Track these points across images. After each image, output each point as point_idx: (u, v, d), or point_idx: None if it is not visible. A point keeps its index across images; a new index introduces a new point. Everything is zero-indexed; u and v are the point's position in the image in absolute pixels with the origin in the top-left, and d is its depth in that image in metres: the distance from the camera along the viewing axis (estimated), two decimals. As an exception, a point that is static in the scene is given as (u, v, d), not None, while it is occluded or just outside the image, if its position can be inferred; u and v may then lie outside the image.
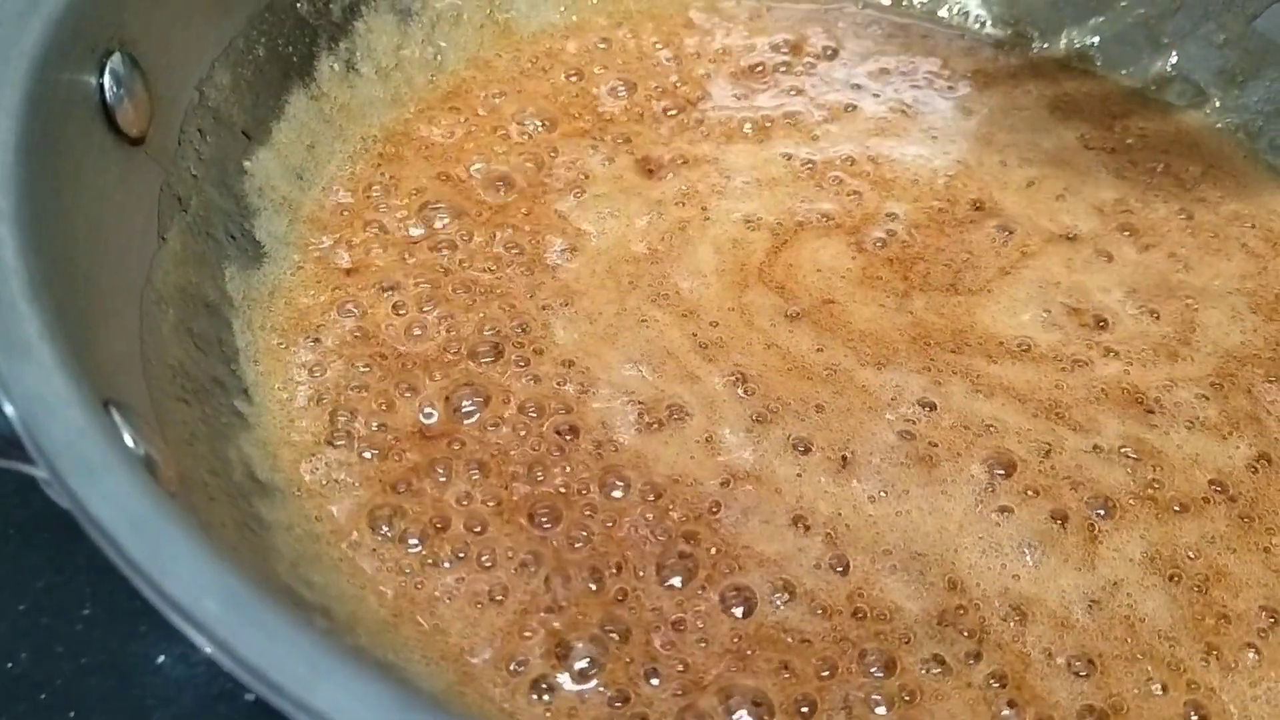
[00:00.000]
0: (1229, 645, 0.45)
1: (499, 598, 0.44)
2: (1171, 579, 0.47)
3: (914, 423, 0.51)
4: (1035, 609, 0.45)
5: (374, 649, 0.41)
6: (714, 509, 0.47)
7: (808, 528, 0.47)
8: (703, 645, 0.43)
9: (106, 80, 0.42)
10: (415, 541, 0.45)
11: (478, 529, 0.46)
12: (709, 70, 0.67)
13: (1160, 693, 0.44)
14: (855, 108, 0.65)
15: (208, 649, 0.28)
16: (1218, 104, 0.67)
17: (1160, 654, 0.45)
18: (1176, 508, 0.49)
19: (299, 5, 0.58)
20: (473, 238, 0.56)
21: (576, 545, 0.46)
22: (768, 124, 0.64)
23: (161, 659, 0.51)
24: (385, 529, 0.46)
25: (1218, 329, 0.56)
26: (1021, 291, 0.57)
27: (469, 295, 0.54)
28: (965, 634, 0.45)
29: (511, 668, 0.42)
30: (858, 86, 0.67)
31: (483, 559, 0.45)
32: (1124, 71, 0.69)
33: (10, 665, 0.50)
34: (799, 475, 0.49)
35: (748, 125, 0.64)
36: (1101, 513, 0.49)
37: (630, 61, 0.67)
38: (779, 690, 0.43)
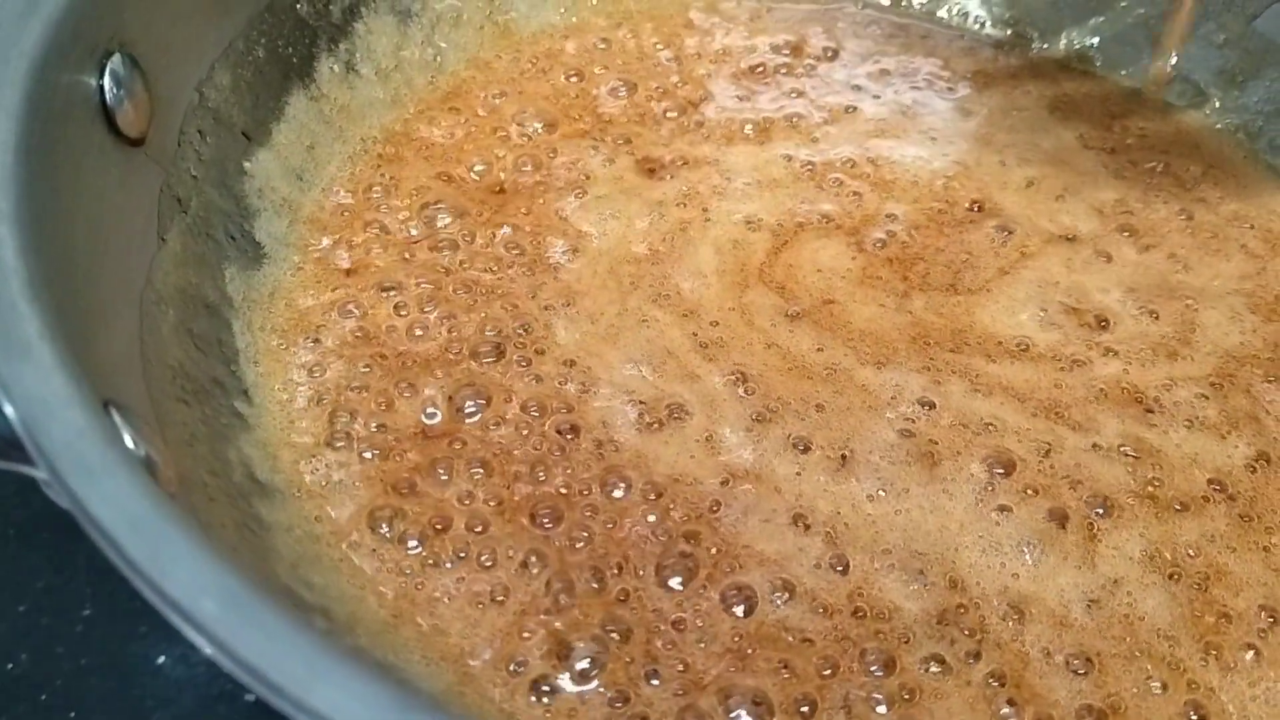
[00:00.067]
0: (1228, 645, 0.45)
1: (499, 598, 0.44)
2: (1171, 577, 0.47)
3: (913, 421, 0.51)
4: (1034, 608, 0.45)
5: (374, 650, 0.41)
6: (714, 508, 0.47)
7: (808, 527, 0.47)
8: (703, 645, 0.44)
9: (106, 81, 0.42)
10: (415, 542, 0.45)
11: (478, 529, 0.46)
12: (709, 71, 0.67)
13: (1159, 692, 0.44)
14: (855, 109, 0.65)
15: (207, 650, 0.28)
16: (1218, 104, 0.67)
17: (1159, 653, 0.45)
18: (1176, 507, 0.49)
19: (299, 6, 0.58)
20: (474, 238, 0.56)
21: (578, 545, 0.46)
22: (768, 125, 0.64)
23: (161, 660, 0.51)
24: (385, 529, 0.46)
25: (1217, 329, 0.56)
26: (1021, 291, 0.57)
27: (470, 295, 0.54)
28: (965, 633, 0.45)
29: (511, 668, 0.42)
30: (858, 88, 0.67)
31: (483, 559, 0.45)
32: (1124, 72, 0.69)
33: (10, 666, 0.50)
34: (798, 474, 0.49)
35: (749, 126, 0.64)
36: (1100, 511, 0.49)
37: (630, 62, 0.67)
38: (779, 690, 0.43)
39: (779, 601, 0.45)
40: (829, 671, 0.43)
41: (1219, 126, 0.67)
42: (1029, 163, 0.63)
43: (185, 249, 0.48)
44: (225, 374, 0.48)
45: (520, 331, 0.53)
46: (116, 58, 0.43)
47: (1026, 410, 0.52)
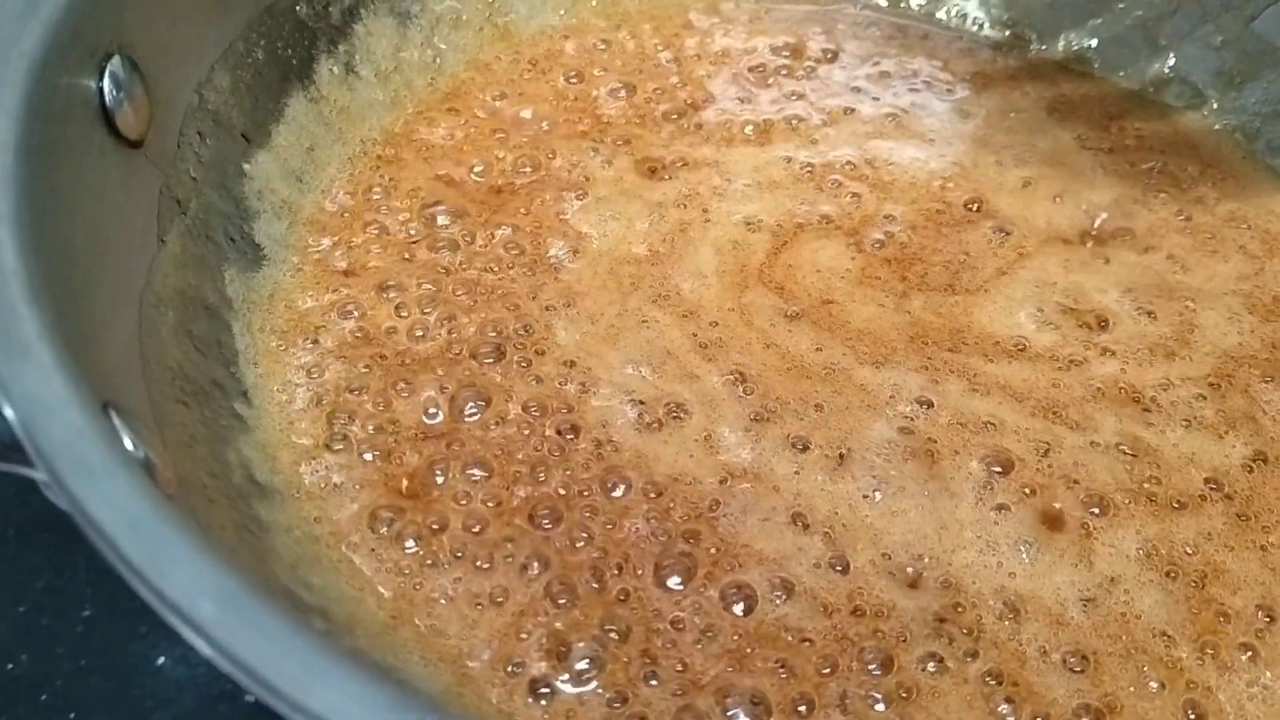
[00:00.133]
0: (1225, 644, 0.45)
1: (498, 599, 0.44)
2: (1168, 575, 0.47)
3: (912, 420, 0.51)
4: (1031, 606, 0.46)
5: (372, 651, 0.41)
6: (713, 507, 0.47)
7: (806, 526, 0.47)
8: (702, 644, 0.44)
9: (106, 83, 0.42)
10: (414, 543, 0.46)
11: (476, 529, 0.46)
12: (709, 72, 0.67)
13: (1157, 690, 0.44)
14: (854, 111, 0.65)
15: (205, 651, 0.28)
16: (1215, 105, 0.67)
17: (1156, 652, 0.45)
18: (1174, 505, 0.49)
19: (298, 8, 0.58)
20: (474, 239, 0.56)
21: (577, 545, 0.46)
22: (768, 127, 0.64)
23: (161, 660, 0.51)
24: (384, 530, 0.46)
25: (1215, 329, 0.56)
26: (1018, 292, 0.57)
27: (470, 296, 0.54)
28: (963, 631, 0.45)
29: (509, 669, 0.43)
30: (857, 89, 0.67)
31: (481, 560, 0.45)
32: (1122, 73, 0.69)
33: (10, 666, 0.51)
34: (797, 473, 0.49)
35: (748, 128, 0.64)
36: (1096, 510, 0.49)
37: (630, 64, 0.67)
38: (777, 689, 0.43)
39: (778, 600, 0.45)
40: (828, 670, 0.43)
41: (1217, 127, 0.67)
42: (1027, 163, 0.63)
43: (185, 251, 0.48)
44: (224, 375, 0.48)
45: (521, 332, 0.53)
46: (116, 59, 0.43)
47: (1024, 410, 0.52)
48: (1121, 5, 0.69)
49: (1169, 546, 0.48)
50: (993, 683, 0.44)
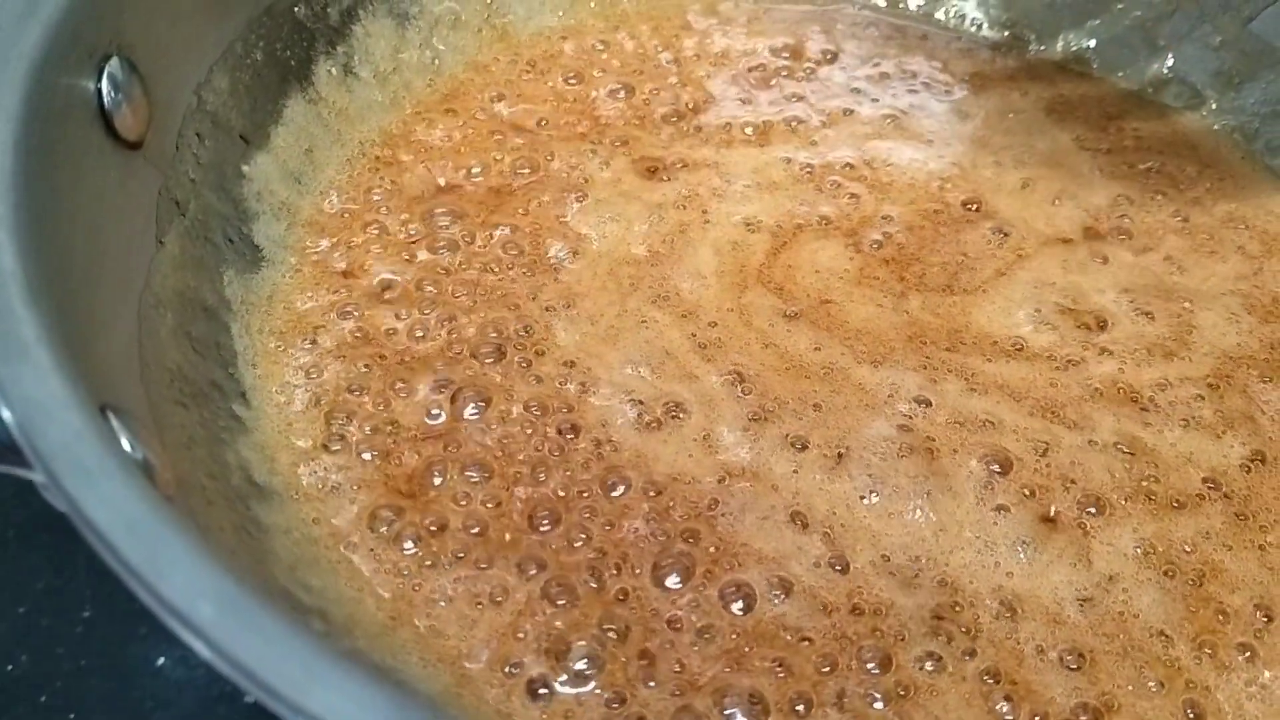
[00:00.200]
0: (1223, 643, 0.46)
1: (498, 599, 0.44)
2: (1167, 574, 0.47)
3: (910, 419, 0.51)
4: (1028, 605, 0.46)
5: (371, 652, 0.41)
6: (712, 506, 0.47)
7: (805, 525, 0.47)
8: (701, 644, 0.44)
9: (105, 85, 0.42)
10: (412, 543, 0.46)
11: (476, 530, 0.46)
12: (708, 73, 0.67)
13: (1156, 689, 0.44)
14: (853, 112, 0.65)
15: (204, 653, 0.28)
16: (1214, 106, 0.67)
17: (1154, 651, 0.45)
18: (1172, 505, 0.49)
19: (297, 10, 0.58)
20: (473, 240, 0.56)
21: (576, 545, 0.46)
22: (767, 128, 0.64)
23: (161, 661, 0.51)
24: (383, 531, 0.46)
25: (1213, 330, 0.56)
26: (1017, 292, 0.57)
27: (470, 297, 0.54)
28: (962, 630, 0.45)
29: (508, 670, 0.43)
30: (856, 91, 0.67)
31: (480, 561, 0.45)
32: (1120, 74, 0.69)
33: (10, 667, 0.51)
34: (795, 472, 0.49)
35: (748, 129, 0.64)
36: (1093, 510, 0.49)
37: (628, 65, 0.67)
38: (775, 689, 0.43)
39: (777, 599, 0.45)
40: (826, 669, 0.43)
41: (1215, 128, 0.67)
42: (1025, 164, 0.63)
43: (183, 252, 0.48)
44: (223, 377, 0.48)
45: (521, 332, 0.53)
46: (115, 61, 0.43)
47: (1023, 409, 0.52)
48: (1120, 6, 0.69)
49: (1167, 546, 0.48)
50: (991, 681, 0.44)
